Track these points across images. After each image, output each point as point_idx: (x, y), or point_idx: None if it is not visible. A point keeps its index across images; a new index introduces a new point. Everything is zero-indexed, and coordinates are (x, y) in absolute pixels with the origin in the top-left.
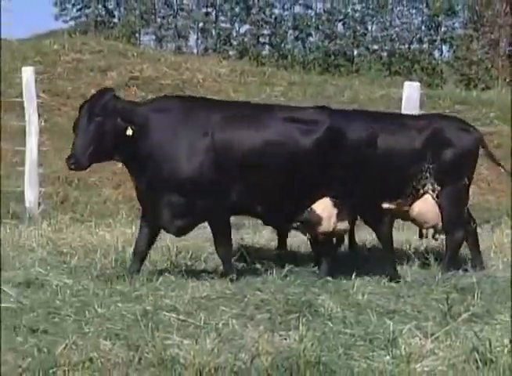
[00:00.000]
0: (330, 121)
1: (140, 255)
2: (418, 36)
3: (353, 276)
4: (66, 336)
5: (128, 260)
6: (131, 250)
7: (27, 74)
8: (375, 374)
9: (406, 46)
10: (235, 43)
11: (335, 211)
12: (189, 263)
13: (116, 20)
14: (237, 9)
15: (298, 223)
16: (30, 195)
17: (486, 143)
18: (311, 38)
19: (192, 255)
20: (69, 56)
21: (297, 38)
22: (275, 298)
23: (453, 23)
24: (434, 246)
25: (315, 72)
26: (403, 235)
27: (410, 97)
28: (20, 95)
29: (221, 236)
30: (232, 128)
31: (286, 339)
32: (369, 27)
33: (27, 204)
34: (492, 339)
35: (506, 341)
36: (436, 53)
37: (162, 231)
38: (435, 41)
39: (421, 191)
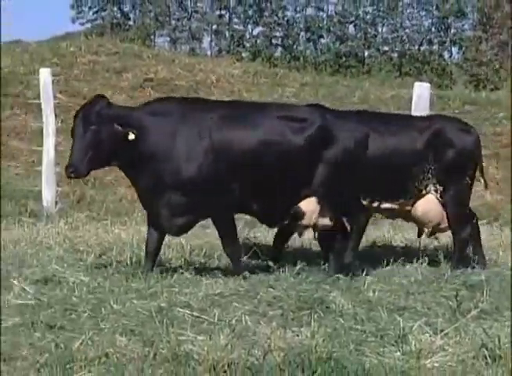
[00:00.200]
0: (321, 120)
1: (152, 254)
2: (428, 37)
3: (364, 274)
4: (82, 332)
5: (143, 258)
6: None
7: (45, 75)
8: (386, 370)
9: (416, 47)
10: (248, 45)
11: (318, 207)
12: (202, 261)
13: (131, 23)
14: (250, 12)
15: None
16: (48, 194)
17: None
18: (322, 40)
19: (206, 253)
20: (85, 58)
21: (308, 40)
22: (287, 295)
23: (463, 25)
24: (443, 244)
25: (327, 73)
26: (413, 234)
27: (420, 98)
28: (38, 96)
29: (227, 235)
30: (228, 127)
31: (298, 335)
32: (380, 29)
33: (45, 203)
34: (500, 336)
35: None
36: (446, 54)
37: None
38: (445, 42)
39: (424, 191)
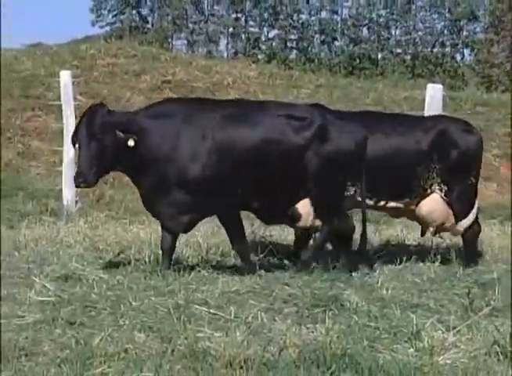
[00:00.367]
0: (320, 120)
1: (168, 252)
2: (440, 40)
3: (377, 272)
4: (102, 328)
5: (160, 256)
6: None
7: (65, 77)
8: (399, 366)
9: (429, 50)
10: (263, 47)
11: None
12: (219, 259)
13: (149, 26)
14: (266, 15)
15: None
16: (68, 193)
17: None
18: (336, 42)
19: (223, 252)
20: (105, 60)
21: (323, 42)
22: (302, 292)
23: (475, 28)
24: (455, 242)
25: (341, 75)
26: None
27: (433, 99)
28: (58, 98)
29: (234, 233)
30: (230, 126)
31: (313, 332)
32: (393, 32)
33: (65, 202)
34: None
35: None
36: (458, 56)
37: (194, 229)
38: (457, 44)
39: (428, 190)
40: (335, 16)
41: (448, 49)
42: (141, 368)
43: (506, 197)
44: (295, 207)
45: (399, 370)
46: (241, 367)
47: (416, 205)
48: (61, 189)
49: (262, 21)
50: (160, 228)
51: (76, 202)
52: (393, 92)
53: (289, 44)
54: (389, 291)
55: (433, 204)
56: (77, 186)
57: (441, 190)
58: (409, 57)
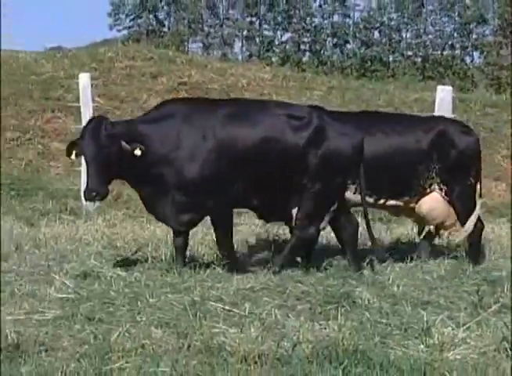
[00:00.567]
0: (317, 122)
1: (180, 250)
2: (450, 43)
3: (388, 269)
4: (120, 324)
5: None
6: None
7: (84, 79)
8: (410, 362)
9: (439, 52)
10: (277, 50)
11: None
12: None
13: (166, 29)
14: (279, 18)
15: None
16: None
17: None
18: (348, 45)
19: (237, 249)
20: (122, 63)
21: (335, 45)
22: (315, 289)
23: (484, 31)
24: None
25: (353, 77)
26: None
27: (443, 100)
28: (77, 99)
29: (224, 233)
30: (231, 126)
31: (325, 328)
32: (404, 35)
33: (84, 201)
34: None
35: None
36: (467, 59)
37: (209, 227)
38: (467, 47)
39: (428, 190)
40: (347, 20)
41: (457, 52)
42: (158, 363)
43: None
44: (294, 207)
45: (410, 366)
46: (255, 362)
47: (416, 203)
48: (80, 189)
49: (276, 25)
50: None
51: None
52: (404, 94)
53: (302, 47)
54: (400, 288)
55: (433, 202)
56: (89, 200)
57: (441, 190)
58: (419, 59)
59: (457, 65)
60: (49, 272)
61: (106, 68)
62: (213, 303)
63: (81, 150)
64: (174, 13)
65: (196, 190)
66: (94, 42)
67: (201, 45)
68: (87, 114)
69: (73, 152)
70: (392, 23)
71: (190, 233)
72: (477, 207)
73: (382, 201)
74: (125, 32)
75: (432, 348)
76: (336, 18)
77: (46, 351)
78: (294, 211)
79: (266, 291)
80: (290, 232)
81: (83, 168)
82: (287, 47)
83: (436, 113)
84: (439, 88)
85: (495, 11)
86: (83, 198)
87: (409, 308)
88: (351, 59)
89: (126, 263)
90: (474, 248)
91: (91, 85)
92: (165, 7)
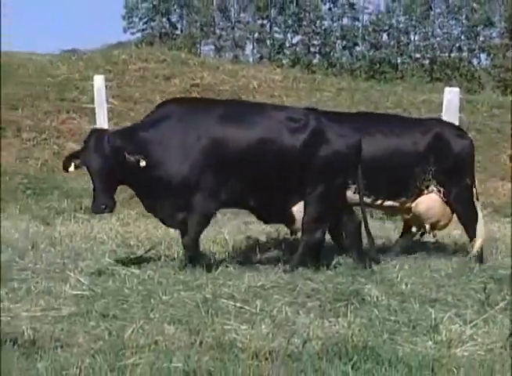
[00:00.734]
0: (315, 123)
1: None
2: (458, 45)
3: (397, 267)
4: (133, 321)
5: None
6: None
7: (98, 81)
8: (418, 358)
9: (447, 54)
10: (287, 52)
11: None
12: (245, 255)
13: (178, 32)
14: (290, 21)
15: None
16: None
17: None
18: (358, 48)
19: (249, 248)
20: (136, 65)
21: (344, 48)
22: (325, 287)
23: (491, 33)
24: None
25: (362, 79)
26: (444, 230)
27: (450, 102)
28: (92, 101)
29: (195, 230)
30: (227, 128)
31: (335, 325)
32: (412, 37)
33: None
34: None
35: None
36: (474, 61)
37: (221, 226)
38: (474, 49)
39: (425, 191)
40: (356, 23)
41: (465, 54)
42: (170, 359)
43: None
44: (292, 209)
45: (418, 362)
46: (266, 359)
47: (413, 203)
48: None
49: (286, 27)
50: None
51: None
52: (412, 96)
53: (312, 49)
54: (408, 286)
55: (430, 201)
56: (98, 213)
57: (439, 191)
58: (427, 62)
59: (464, 67)
60: (65, 270)
61: (120, 70)
62: (224, 300)
63: (85, 164)
64: (187, 16)
65: (191, 190)
66: (108, 45)
67: (213, 47)
68: (101, 115)
69: (72, 164)
70: (400, 25)
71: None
72: (479, 209)
73: (379, 202)
74: (139, 35)
75: (440, 344)
76: (345, 21)
77: (62, 347)
78: (294, 212)
79: (277, 289)
80: (291, 233)
81: None
82: (297, 49)
83: (444, 115)
84: (447, 89)
85: (502, 14)
86: (92, 211)
87: (417, 305)
88: (360, 61)
89: (139, 261)
90: (476, 247)
91: (106, 87)
92: (178, 10)
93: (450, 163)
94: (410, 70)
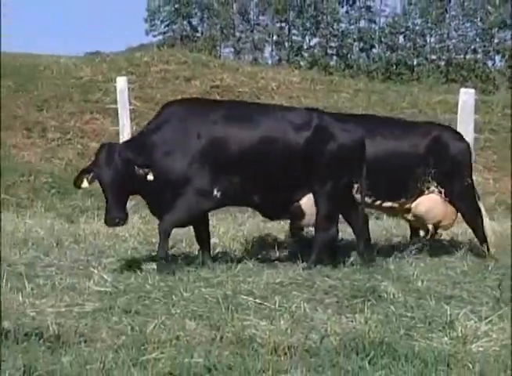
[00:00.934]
0: (317, 122)
1: (205, 247)
2: (473, 47)
3: (413, 265)
4: (155, 317)
5: (211, 249)
6: (213, 240)
7: (121, 83)
8: (434, 354)
9: (462, 56)
10: (305, 54)
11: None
12: (264, 252)
13: (199, 35)
14: (308, 24)
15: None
16: None
17: None
18: (374, 50)
19: (267, 245)
20: (158, 67)
21: (361, 50)
22: (342, 284)
23: (505, 35)
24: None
25: (378, 80)
26: (459, 227)
27: (466, 102)
28: (115, 102)
29: (173, 218)
30: (231, 129)
31: (352, 321)
32: (428, 39)
33: None
34: None
35: None
36: (489, 62)
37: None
38: (489, 51)
39: (426, 192)
40: (373, 25)
41: (480, 56)
42: (191, 354)
43: None
44: (299, 205)
45: (434, 358)
46: (285, 354)
47: (412, 203)
48: None
49: (305, 30)
50: (213, 223)
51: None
52: (428, 96)
53: (329, 51)
54: (424, 283)
55: (430, 202)
56: (111, 226)
57: (440, 192)
58: (443, 63)
59: (479, 68)
60: (88, 267)
61: (142, 72)
62: (244, 297)
63: (98, 178)
64: (207, 19)
65: (191, 188)
66: (131, 47)
67: (233, 49)
68: (124, 116)
69: (84, 180)
70: (417, 28)
71: (221, 229)
72: (482, 209)
73: (378, 202)
74: (160, 37)
75: (455, 340)
76: (362, 23)
77: (85, 342)
78: (300, 208)
79: (295, 286)
80: (290, 230)
81: None
82: (315, 51)
83: (459, 115)
84: (462, 90)
85: None
86: (106, 224)
87: (433, 302)
88: (377, 62)
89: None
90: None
91: (128, 88)
92: (198, 13)
93: (448, 165)
94: (426, 72)
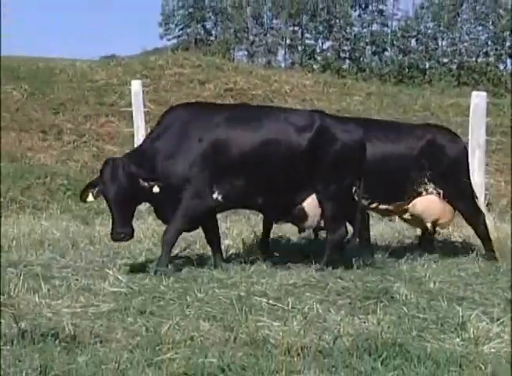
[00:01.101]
0: (319, 124)
1: (216, 249)
2: (485, 50)
3: (425, 266)
4: (170, 317)
5: (223, 251)
6: (227, 242)
7: (136, 86)
8: (446, 355)
9: (474, 59)
10: (318, 58)
11: (319, 209)
12: (277, 254)
13: (213, 38)
14: (321, 28)
15: (290, 218)
16: None
17: None
18: (387, 53)
19: (280, 247)
20: (172, 70)
21: (374, 53)
22: (355, 285)
23: None
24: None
25: (391, 83)
26: (471, 230)
27: (477, 105)
28: (129, 105)
29: (177, 228)
30: (229, 134)
31: (365, 322)
32: (440, 43)
33: None
34: None
35: None
36: (501, 66)
37: (254, 226)
38: (501, 55)
39: (424, 193)
40: (385, 29)
41: (491, 59)
42: (205, 354)
43: None
44: (303, 207)
45: (446, 359)
46: (298, 354)
47: (409, 204)
48: None
49: (318, 33)
50: (226, 225)
51: None
52: (440, 99)
53: (342, 54)
54: (436, 285)
55: (426, 201)
56: (117, 241)
57: (438, 194)
58: (455, 66)
59: (491, 71)
60: (103, 268)
61: (156, 75)
62: (258, 298)
63: (103, 194)
64: (221, 23)
65: (194, 191)
66: (145, 51)
67: (246, 52)
68: (138, 119)
69: (90, 194)
70: (429, 31)
71: (235, 231)
72: (483, 208)
73: (375, 205)
74: (175, 41)
75: (467, 341)
76: (374, 27)
77: (101, 342)
78: (304, 210)
79: (308, 287)
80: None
81: None
82: (328, 55)
83: (471, 118)
84: (474, 93)
85: None
86: (112, 239)
87: (445, 303)
88: (389, 66)
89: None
90: (486, 243)
91: (143, 91)
92: (212, 17)
93: (445, 166)
94: (438, 75)
